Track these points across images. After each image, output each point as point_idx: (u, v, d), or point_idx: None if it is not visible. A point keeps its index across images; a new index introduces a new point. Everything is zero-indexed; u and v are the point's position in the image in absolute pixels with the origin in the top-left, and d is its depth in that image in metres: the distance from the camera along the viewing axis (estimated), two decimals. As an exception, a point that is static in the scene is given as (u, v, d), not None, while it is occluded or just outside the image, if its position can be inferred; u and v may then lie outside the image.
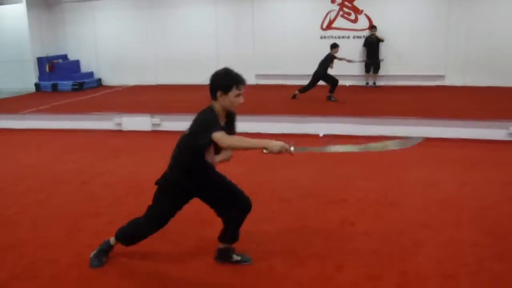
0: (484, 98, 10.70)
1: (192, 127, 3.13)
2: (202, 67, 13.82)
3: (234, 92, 3.06)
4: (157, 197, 3.41)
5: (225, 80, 3.08)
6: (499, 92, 11.67)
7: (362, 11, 13.22)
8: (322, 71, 10.58)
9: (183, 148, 3.26)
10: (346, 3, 13.23)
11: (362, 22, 13.23)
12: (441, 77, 12.81)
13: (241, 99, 3.11)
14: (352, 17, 13.29)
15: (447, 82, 12.79)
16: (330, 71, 10.68)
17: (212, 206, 3.46)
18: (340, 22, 13.35)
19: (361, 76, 13.31)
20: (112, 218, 4.46)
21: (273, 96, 11.63)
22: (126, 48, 14.73)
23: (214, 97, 3.11)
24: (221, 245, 3.56)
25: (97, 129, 8.78)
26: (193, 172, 3.28)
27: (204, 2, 14.06)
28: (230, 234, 3.50)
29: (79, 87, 14.05)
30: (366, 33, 13.12)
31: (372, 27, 12.92)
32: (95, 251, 3.59)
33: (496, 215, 4.47)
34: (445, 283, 3.25)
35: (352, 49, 13.03)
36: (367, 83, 13.25)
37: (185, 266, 3.58)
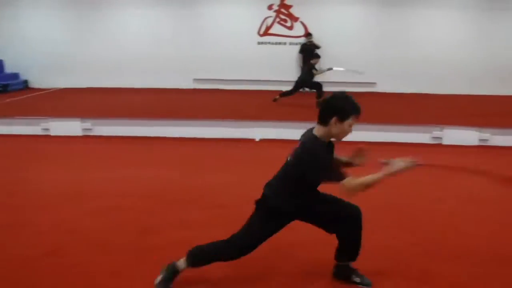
0: (412, 104, 11.19)
1: (303, 160, 2.85)
2: (137, 70, 13.62)
3: (350, 121, 2.82)
4: (254, 220, 3.08)
5: (347, 105, 2.83)
6: (425, 98, 12.26)
7: (298, 18, 13.46)
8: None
9: (291, 177, 2.96)
10: (282, 10, 13.42)
11: (298, 29, 13.47)
12: (373, 84, 13.26)
13: (351, 130, 2.87)
14: (289, 24, 13.50)
15: (379, 88, 13.28)
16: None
17: (319, 226, 3.18)
18: (276, 28, 13.52)
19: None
20: (41, 229, 4.22)
21: (211, 101, 11.56)
22: (56, 49, 14.00)
23: (325, 122, 2.82)
24: (340, 263, 3.29)
25: (22, 134, 8.31)
26: (301, 197, 3.01)
27: (141, 3, 13.74)
28: (346, 250, 3.22)
29: (3, 89, 13.26)
30: (302, 40, 13.37)
31: (308, 35, 13.17)
32: (159, 279, 3.12)
33: (425, 214, 4.66)
34: (379, 282, 3.31)
35: (288, 56, 13.28)
36: (304, 88, 13.44)
37: None
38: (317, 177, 2.85)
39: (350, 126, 2.83)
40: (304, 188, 2.96)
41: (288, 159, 3.02)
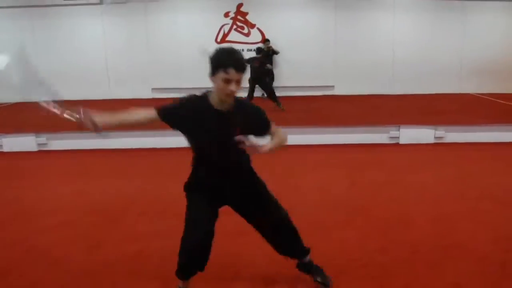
0: (369, 106, 11.40)
1: None
2: (90, 81, 13.37)
3: (220, 75, 2.51)
4: None
5: (213, 57, 2.55)
6: (381, 99, 12.52)
7: (254, 25, 13.53)
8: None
9: None
10: (239, 17, 13.47)
11: (255, 36, 13.54)
12: (331, 87, 13.46)
13: (230, 86, 2.52)
14: (245, 31, 13.55)
15: (336, 91, 13.48)
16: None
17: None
18: (234, 35, 13.54)
19: (257, 88, 13.54)
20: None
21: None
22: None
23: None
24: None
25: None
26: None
27: (95, 13, 13.49)
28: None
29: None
30: (260, 46, 13.42)
31: (265, 41, 13.25)
32: None
33: (380, 212, 4.74)
34: (337, 278, 3.34)
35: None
36: (263, 94, 13.53)
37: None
38: None
39: (226, 81, 2.51)
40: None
41: None
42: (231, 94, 2.56)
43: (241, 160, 2.90)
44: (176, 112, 2.71)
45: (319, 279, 3.26)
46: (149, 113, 2.74)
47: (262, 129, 2.81)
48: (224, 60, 2.50)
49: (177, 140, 7.54)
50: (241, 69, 2.52)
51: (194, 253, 2.82)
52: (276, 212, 3.06)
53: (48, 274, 3.56)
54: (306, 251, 3.26)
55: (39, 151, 8.05)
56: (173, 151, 7.45)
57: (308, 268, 3.29)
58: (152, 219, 4.67)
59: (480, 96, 13.40)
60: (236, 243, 3.96)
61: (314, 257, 3.67)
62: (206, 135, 2.70)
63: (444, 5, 13.50)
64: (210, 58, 2.56)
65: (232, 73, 2.49)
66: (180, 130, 2.75)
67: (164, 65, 13.46)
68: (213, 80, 2.58)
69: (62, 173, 6.68)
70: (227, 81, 2.50)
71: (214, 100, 2.65)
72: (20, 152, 7.95)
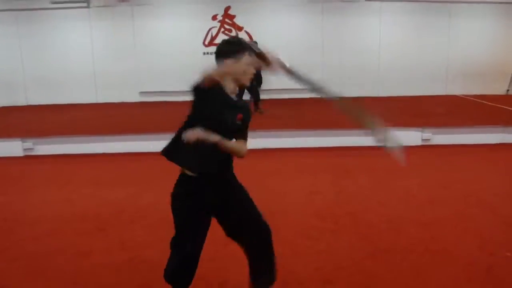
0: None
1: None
2: (78, 85, 13.27)
3: (246, 58, 2.59)
4: None
5: (236, 42, 2.65)
6: (368, 102, 12.58)
7: (242, 28, 13.52)
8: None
9: None
10: (226, 20, 13.45)
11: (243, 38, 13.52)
12: (318, 89, 13.49)
13: (253, 70, 2.63)
14: (233, 33, 13.53)
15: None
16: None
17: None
18: (222, 38, 13.45)
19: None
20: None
21: (159, 113, 11.42)
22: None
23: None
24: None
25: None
26: None
27: (81, 17, 13.38)
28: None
29: None
30: (248, 48, 13.45)
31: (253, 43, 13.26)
32: None
33: (368, 219, 4.76)
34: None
35: (234, 65, 13.34)
36: (250, 97, 13.54)
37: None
38: None
39: (248, 64, 2.62)
40: None
41: None
42: (251, 78, 2.63)
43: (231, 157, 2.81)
44: (207, 93, 2.56)
45: None
46: None
47: (245, 128, 2.77)
48: (246, 44, 2.60)
49: (158, 144, 7.58)
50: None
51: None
52: (257, 226, 2.87)
53: (35, 284, 3.53)
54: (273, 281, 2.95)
55: (25, 156, 7.97)
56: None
57: None
58: (143, 227, 4.63)
59: (466, 97, 13.54)
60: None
61: (300, 266, 3.70)
62: (222, 124, 2.60)
63: (429, 9, 13.64)
64: (229, 44, 2.62)
65: (253, 56, 2.58)
66: (204, 114, 2.61)
67: (151, 69, 13.39)
68: (232, 65, 2.57)
69: (48, 179, 6.61)
70: (251, 64, 2.58)
71: (228, 87, 2.64)
72: (5, 158, 7.85)
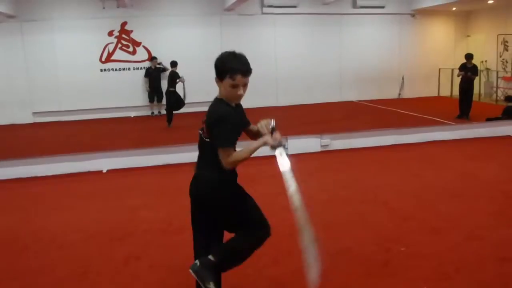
0: (256, 120, 11.66)
1: (209, 122, 2.70)
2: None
3: (229, 81, 2.61)
4: (233, 209, 2.92)
5: (221, 64, 2.64)
6: (268, 112, 12.89)
7: (140, 43, 13.29)
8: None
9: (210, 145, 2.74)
10: (123, 35, 13.15)
11: (142, 54, 13.28)
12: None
13: (238, 91, 2.64)
14: (131, 49, 13.25)
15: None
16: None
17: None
18: (119, 54, 13.17)
19: (146, 106, 13.31)
20: None
21: (53, 134, 10.83)
22: None
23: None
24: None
25: None
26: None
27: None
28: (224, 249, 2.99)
29: None
30: (147, 64, 13.22)
31: (152, 58, 13.07)
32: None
33: (273, 223, 4.79)
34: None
35: (133, 81, 13.08)
36: (152, 113, 13.31)
37: None
38: (222, 135, 2.64)
39: (233, 86, 2.63)
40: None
41: (199, 131, 2.85)
42: (240, 97, 2.69)
43: None
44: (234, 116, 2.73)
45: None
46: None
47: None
48: (230, 66, 2.60)
49: (67, 166, 7.18)
50: (247, 73, 2.67)
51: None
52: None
53: None
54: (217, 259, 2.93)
55: None
56: (64, 177, 7.05)
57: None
58: (37, 253, 4.31)
59: (361, 103, 14.34)
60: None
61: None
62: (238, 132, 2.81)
63: (321, 20, 14.38)
64: (216, 63, 2.65)
65: (238, 78, 2.61)
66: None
67: (45, 88, 12.72)
68: (220, 85, 2.66)
69: None
70: (235, 86, 2.60)
71: (227, 100, 2.71)
72: None
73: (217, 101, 2.73)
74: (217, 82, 2.69)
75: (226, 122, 2.63)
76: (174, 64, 11.10)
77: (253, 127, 2.97)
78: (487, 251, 3.99)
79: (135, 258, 4.12)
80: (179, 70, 13.09)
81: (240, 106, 2.89)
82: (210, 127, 2.68)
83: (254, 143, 2.74)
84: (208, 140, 2.75)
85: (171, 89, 10.85)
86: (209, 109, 2.75)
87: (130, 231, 4.74)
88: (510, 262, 3.77)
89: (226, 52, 2.70)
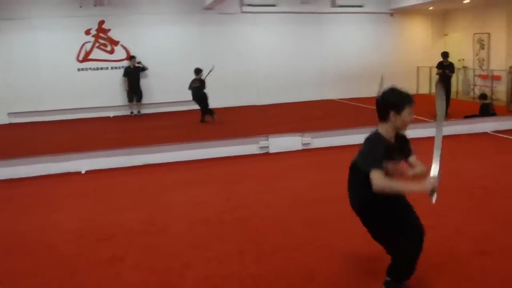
0: (238, 118, 11.68)
1: (359, 155, 3.09)
2: None
3: (407, 110, 2.94)
4: (380, 223, 3.22)
5: (399, 98, 2.97)
6: (250, 110, 12.93)
7: (118, 42, 13.12)
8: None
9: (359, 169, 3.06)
10: (101, 34, 12.96)
11: (120, 53, 13.12)
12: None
13: (412, 117, 3.00)
14: (109, 48, 13.08)
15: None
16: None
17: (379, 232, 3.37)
18: (97, 53, 12.98)
19: (125, 106, 13.15)
20: None
21: (30, 135, 10.62)
22: None
23: (385, 118, 2.99)
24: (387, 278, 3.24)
25: None
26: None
27: None
28: (396, 265, 3.19)
29: None
30: (125, 63, 13.07)
31: (131, 57, 12.93)
32: None
33: (256, 222, 4.80)
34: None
35: (111, 80, 12.92)
36: (132, 112, 13.16)
37: None
38: (365, 160, 2.99)
39: (409, 114, 2.98)
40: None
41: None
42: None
43: None
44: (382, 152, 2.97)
45: None
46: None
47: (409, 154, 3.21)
48: (407, 98, 2.98)
49: (45, 167, 7.03)
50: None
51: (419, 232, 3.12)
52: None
53: None
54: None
55: None
56: (43, 179, 6.93)
57: None
58: (22, 256, 4.22)
59: (341, 101, 14.43)
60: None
61: (190, 276, 3.62)
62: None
63: (301, 19, 14.41)
64: (390, 99, 2.98)
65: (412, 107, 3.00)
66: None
67: (21, 88, 12.42)
68: (395, 118, 2.96)
69: None
70: (411, 113, 2.98)
71: (388, 135, 3.04)
72: None
73: (376, 134, 3.07)
74: (389, 117, 2.98)
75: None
76: (198, 71, 11.17)
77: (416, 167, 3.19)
78: (468, 245, 4.05)
79: (119, 259, 4.05)
80: (159, 67, 13.04)
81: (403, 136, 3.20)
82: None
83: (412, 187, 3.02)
84: None
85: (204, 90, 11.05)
86: (366, 138, 3.12)
87: (113, 232, 4.67)
88: (489, 256, 3.83)
89: (391, 88, 3.08)
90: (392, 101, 2.97)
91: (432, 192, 2.89)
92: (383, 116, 3.02)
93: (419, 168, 3.13)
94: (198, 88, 10.99)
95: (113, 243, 4.43)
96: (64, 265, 3.98)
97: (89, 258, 4.12)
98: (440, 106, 3.18)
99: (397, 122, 2.99)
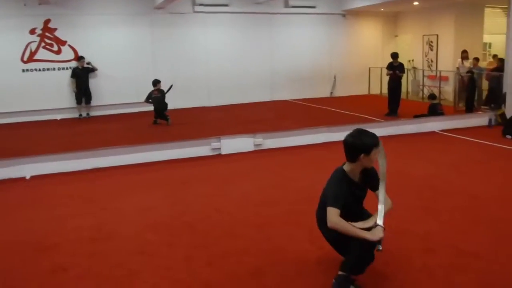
0: (188, 119, 11.56)
1: (325, 190, 3.33)
2: None
3: (374, 151, 3.16)
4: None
5: (369, 141, 3.15)
6: (201, 112, 12.85)
7: (65, 42, 12.69)
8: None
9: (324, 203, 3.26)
10: (47, 34, 12.50)
11: (67, 53, 12.69)
12: (150, 103, 13.23)
13: (376, 156, 3.22)
14: (55, 48, 12.63)
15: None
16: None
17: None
18: (42, 53, 12.50)
19: (73, 108, 12.73)
20: None
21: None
22: None
23: (354, 159, 3.19)
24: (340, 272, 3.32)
25: None
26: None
27: None
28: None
29: None
30: (73, 64, 12.66)
31: (79, 58, 12.54)
32: None
33: (205, 226, 4.72)
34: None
35: (58, 81, 12.50)
36: (80, 115, 12.76)
37: None
38: (327, 197, 3.22)
39: (375, 154, 3.19)
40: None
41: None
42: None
43: None
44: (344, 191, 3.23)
45: None
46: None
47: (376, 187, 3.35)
48: (375, 140, 3.19)
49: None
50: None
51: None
52: None
53: None
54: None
55: None
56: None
57: None
58: None
59: (293, 101, 14.52)
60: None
61: (136, 284, 3.51)
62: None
63: (252, 20, 14.44)
64: (360, 144, 3.15)
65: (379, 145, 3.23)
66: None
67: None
68: (365, 159, 3.17)
69: None
70: (377, 152, 3.20)
71: (352, 173, 3.27)
72: None
73: (341, 172, 3.30)
74: (362, 158, 3.17)
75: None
76: (157, 82, 11.04)
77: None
78: (414, 243, 4.12)
79: (62, 269, 3.87)
80: (108, 68, 12.73)
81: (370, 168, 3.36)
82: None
83: (361, 233, 3.08)
84: None
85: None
86: (331, 176, 3.40)
87: (56, 241, 4.46)
88: (434, 253, 3.91)
89: (357, 131, 3.26)
90: (362, 145, 3.15)
91: (379, 242, 3.05)
92: (352, 158, 3.21)
93: (378, 213, 3.19)
94: (160, 98, 10.83)
95: (56, 252, 4.23)
96: (1, 277, 3.77)
97: (28, 268, 3.93)
98: (382, 164, 3.31)
99: (365, 163, 3.21)
